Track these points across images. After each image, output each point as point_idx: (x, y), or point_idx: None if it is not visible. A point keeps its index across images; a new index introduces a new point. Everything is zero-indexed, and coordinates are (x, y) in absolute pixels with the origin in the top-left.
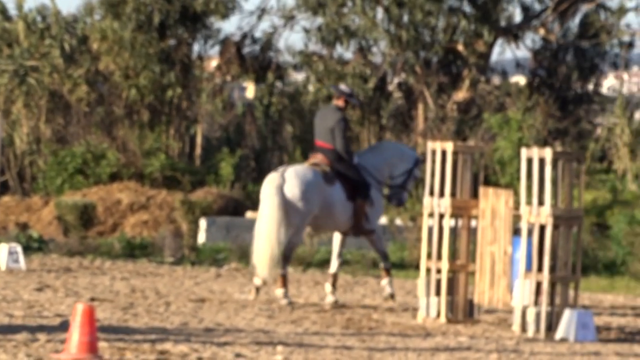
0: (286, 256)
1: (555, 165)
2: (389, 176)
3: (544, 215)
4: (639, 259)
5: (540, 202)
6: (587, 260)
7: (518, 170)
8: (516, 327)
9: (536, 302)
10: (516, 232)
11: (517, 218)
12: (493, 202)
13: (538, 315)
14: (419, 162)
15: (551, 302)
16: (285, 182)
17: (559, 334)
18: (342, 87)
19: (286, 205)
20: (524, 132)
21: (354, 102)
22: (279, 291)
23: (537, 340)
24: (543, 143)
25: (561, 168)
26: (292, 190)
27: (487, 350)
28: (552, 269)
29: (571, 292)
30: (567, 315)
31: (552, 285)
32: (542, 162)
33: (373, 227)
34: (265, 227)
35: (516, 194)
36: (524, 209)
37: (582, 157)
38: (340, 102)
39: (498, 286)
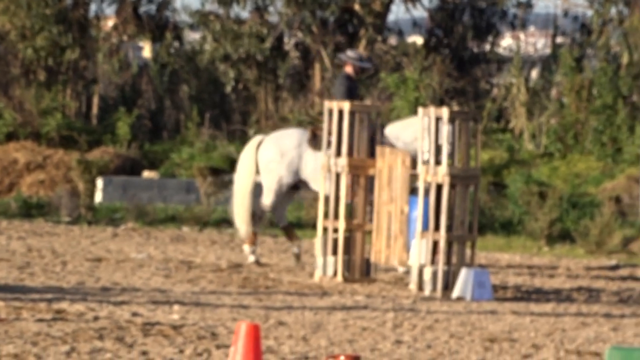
0: (256, 215)
1: (452, 125)
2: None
3: (441, 174)
4: (535, 218)
5: (437, 162)
6: (484, 219)
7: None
8: (413, 286)
9: (433, 261)
10: (413, 191)
11: (414, 177)
12: (390, 161)
13: (435, 274)
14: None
15: (448, 261)
16: (262, 143)
17: (455, 292)
18: (349, 52)
19: (256, 167)
20: (420, 92)
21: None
22: (246, 247)
23: (433, 299)
24: (440, 102)
25: (458, 127)
26: (264, 153)
27: (384, 309)
28: (449, 228)
29: (468, 251)
30: (464, 274)
31: (449, 244)
32: (438, 121)
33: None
34: (237, 186)
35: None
36: (420, 168)
37: (478, 116)
38: (348, 69)
39: (395, 245)
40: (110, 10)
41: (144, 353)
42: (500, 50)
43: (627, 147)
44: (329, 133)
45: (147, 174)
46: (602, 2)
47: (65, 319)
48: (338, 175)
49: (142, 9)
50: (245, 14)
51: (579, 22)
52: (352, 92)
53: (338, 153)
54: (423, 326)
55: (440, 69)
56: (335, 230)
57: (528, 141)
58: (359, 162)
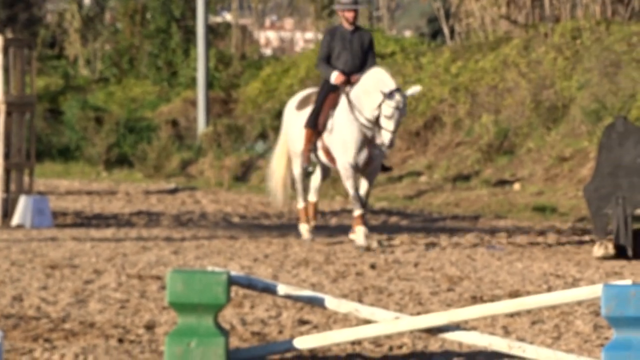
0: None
1: (7, 53)
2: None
3: None
4: (93, 143)
5: None
6: (42, 146)
7: None
8: None
9: None
10: None
11: None
12: None
13: None
14: (389, 95)
15: (6, 189)
16: None
17: (15, 220)
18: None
19: None
20: None
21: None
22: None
23: None
24: None
25: (12, 55)
26: None
27: None
28: (6, 155)
29: (26, 179)
30: (23, 202)
31: (7, 172)
32: None
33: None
34: None
35: None
36: None
37: (33, 43)
38: (342, 20)
39: None
40: None
41: None
42: None
43: (183, 70)
44: None
45: None
46: None
47: None
48: None
49: None
50: None
51: None
52: (333, 45)
53: None
54: None
55: None
56: None
57: (83, 67)
58: None
